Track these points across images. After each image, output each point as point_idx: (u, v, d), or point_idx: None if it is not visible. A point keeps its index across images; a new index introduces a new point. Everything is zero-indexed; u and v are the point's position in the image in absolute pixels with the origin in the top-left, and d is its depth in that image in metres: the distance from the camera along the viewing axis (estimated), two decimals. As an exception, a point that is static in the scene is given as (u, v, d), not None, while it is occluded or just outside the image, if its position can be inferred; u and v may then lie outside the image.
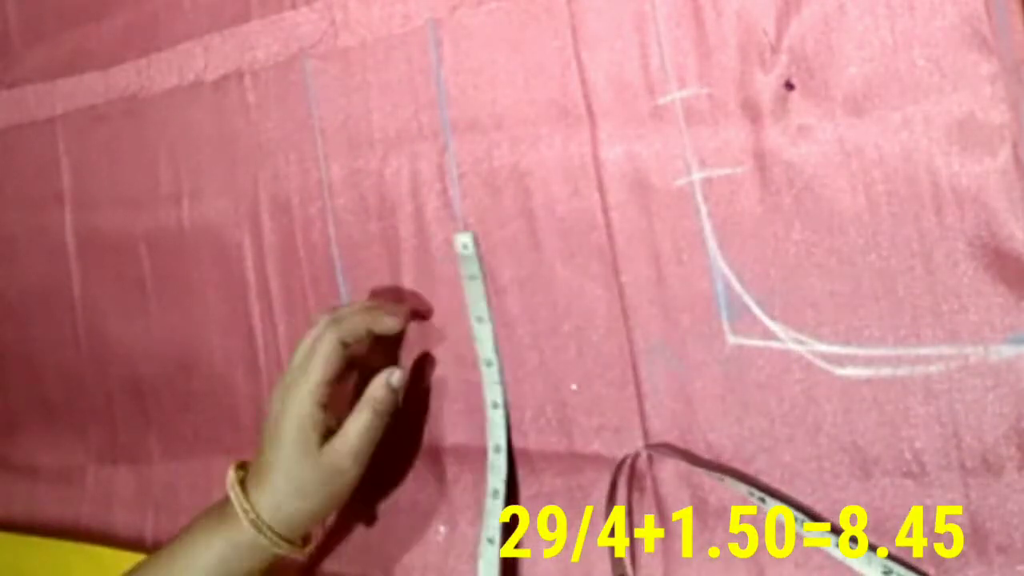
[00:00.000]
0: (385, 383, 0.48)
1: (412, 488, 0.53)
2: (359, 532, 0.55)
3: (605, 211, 0.47)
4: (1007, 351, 0.38)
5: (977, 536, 0.38)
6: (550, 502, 0.48)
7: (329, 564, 0.55)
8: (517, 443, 0.49)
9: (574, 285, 0.48)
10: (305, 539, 0.49)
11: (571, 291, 0.48)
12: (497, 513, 0.48)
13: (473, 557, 0.50)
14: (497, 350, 0.50)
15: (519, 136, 0.49)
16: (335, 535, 0.56)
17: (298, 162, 0.58)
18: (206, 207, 0.62)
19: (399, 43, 0.53)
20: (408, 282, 0.53)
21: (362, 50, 0.55)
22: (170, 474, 0.64)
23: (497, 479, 0.49)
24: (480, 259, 0.50)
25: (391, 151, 0.54)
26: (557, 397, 0.48)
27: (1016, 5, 0.37)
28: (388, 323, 0.50)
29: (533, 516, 0.49)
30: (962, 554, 0.38)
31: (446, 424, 0.52)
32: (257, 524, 0.47)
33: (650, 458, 0.45)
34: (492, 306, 0.50)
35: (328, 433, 0.47)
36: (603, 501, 0.46)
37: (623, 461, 0.45)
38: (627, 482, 0.46)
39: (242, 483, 0.48)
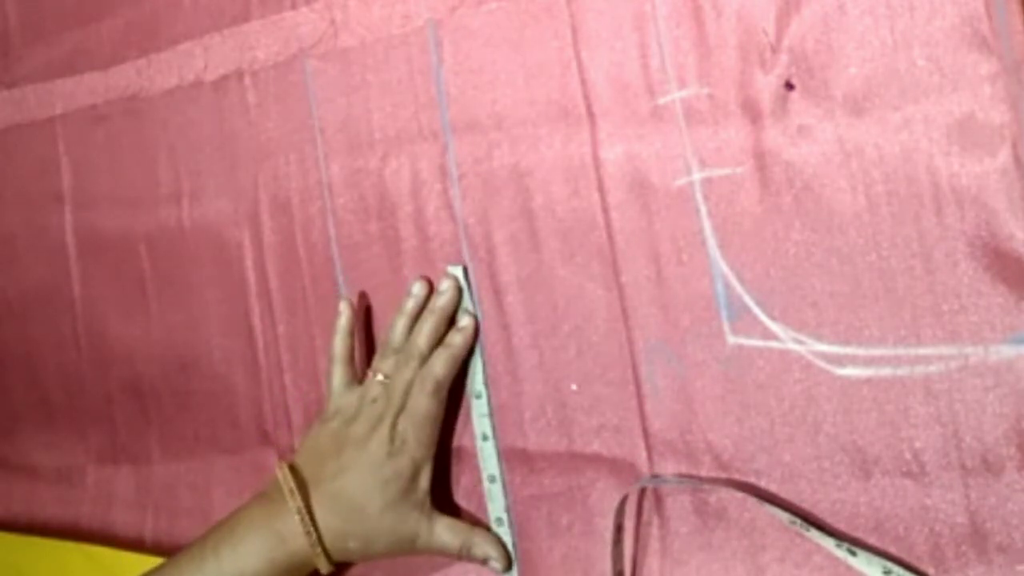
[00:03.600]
0: (485, 557, 0.48)
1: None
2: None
3: (605, 211, 0.47)
4: (1007, 351, 0.38)
5: (977, 536, 0.38)
6: (550, 502, 0.48)
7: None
8: (516, 443, 0.49)
9: (574, 285, 0.48)
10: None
11: (571, 291, 0.48)
12: (508, 540, 0.49)
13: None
14: (487, 383, 0.50)
15: (519, 136, 0.49)
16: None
17: (298, 162, 0.58)
18: (206, 207, 0.62)
19: (399, 43, 0.53)
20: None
21: (362, 50, 0.55)
22: (170, 474, 0.64)
23: (498, 508, 0.49)
24: (472, 291, 0.50)
25: (391, 151, 0.54)
26: (557, 397, 0.48)
27: (1016, 5, 0.37)
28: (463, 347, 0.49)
29: (534, 516, 0.49)
30: (962, 554, 0.38)
31: (445, 426, 0.52)
32: (315, 548, 0.46)
33: (650, 459, 0.45)
34: (483, 339, 0.50)
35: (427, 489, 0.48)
36: (602, 500, 0.46)
37: (626, 497, 0.45)
38: (636, 506, 0.46)
39: (299, 486, 0.47)
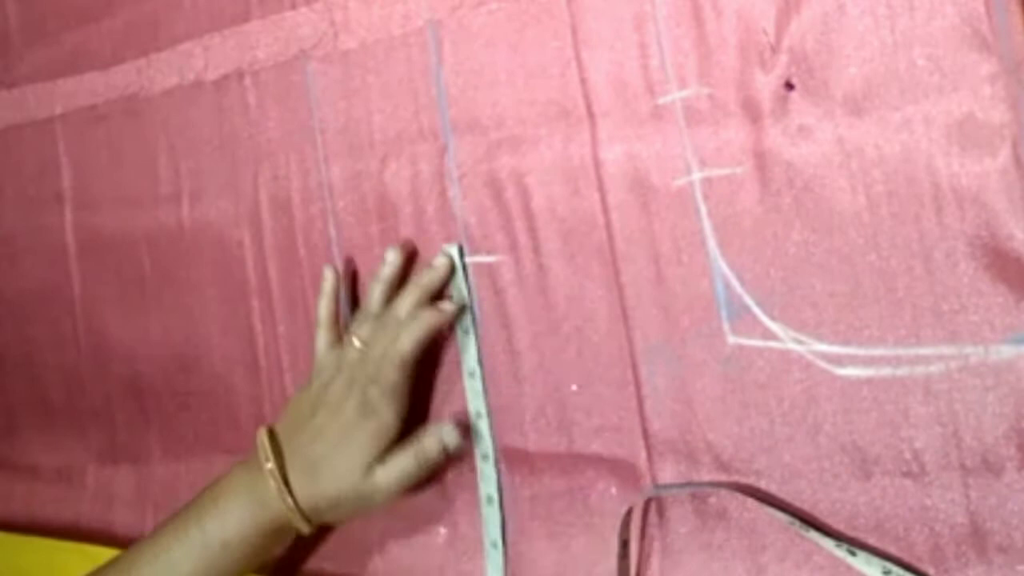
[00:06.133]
0: (439, 440, 0.48)
1: (412, 490, 0.53)
2: (360, 534, 0.54)
3: (605, 211, 0.47)
4: (1007, 351, 0.38)
5: (977, 536, 0.38)
6: (550, 502, 0.48)
7: (331, 566, 0.55)
8: (516, 444, 0.49)
9: (574, 285, 0.48)
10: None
11: (571, 291, 0.48)
12: (495, 519, 0.49)
13: (474, 559, 0.50)
14: (480, 361, 0.50)
15: (519, 136, 0.49)
16: (336, 538, 0.56)
17: (298, 163, 0.58)
18: (206, 207, 0.62)
19: (399, 44, 0.53)
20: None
21: (362, 51, 0.55)
22: (170, 474, 0.64)
23: (489, 486, 0.49)
24: (465, 270, 0.50)
25: (391, 153, 0.54)
26: (557, 397, 0.48)
27: (1016, 5, 0.37)
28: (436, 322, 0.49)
29: (534, 516, 0.49)
30: (962, 554, 0.38)
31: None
32: (293, 511, 0.47)
33: (650, 459, 0.45)
34: (477, 318, 0.50)
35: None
36: (602, 500, 0.46)
37: (631, 511, 0.45)
38: (640, 517, 0.46)
39: (275, 450, 0.48)
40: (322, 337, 0.52)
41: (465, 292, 0.50)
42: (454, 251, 0.51)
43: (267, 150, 0.59)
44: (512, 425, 0.49)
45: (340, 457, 0.47)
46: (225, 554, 0.47)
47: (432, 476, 0.51)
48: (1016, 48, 0.37)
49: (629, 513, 0.45)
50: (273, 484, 0.47)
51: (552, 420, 0.48)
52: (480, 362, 0.50)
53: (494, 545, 0.49)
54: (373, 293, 0.52)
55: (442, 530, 0.52)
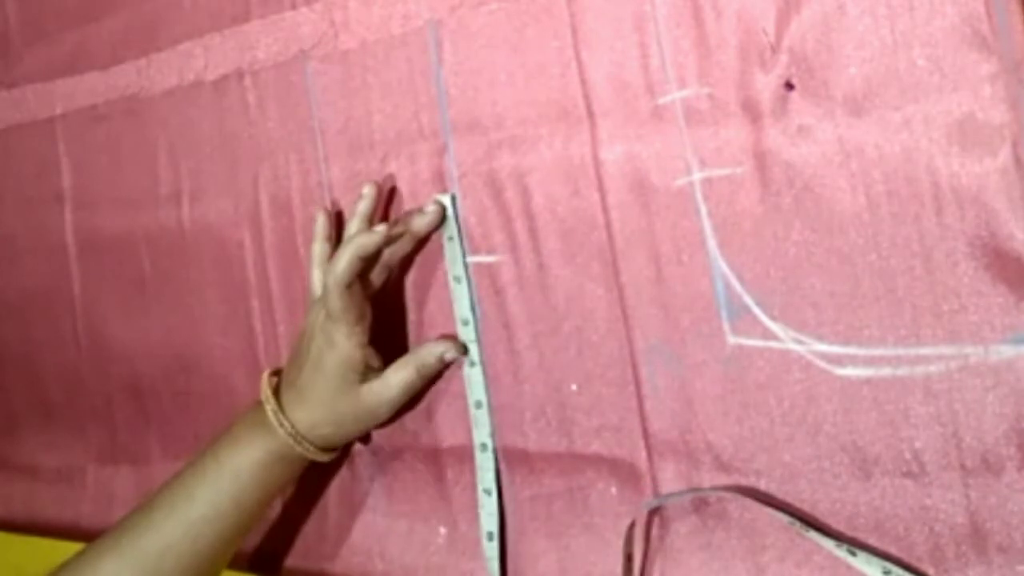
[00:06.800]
0: (439, 355, 0.50)
1: (412, 490, 0.53)
2: (361, 534, 0.54)
3: (605, 211, 0.47)
4: (1007, 351, 0.38)
5: (977, 536, 0.38)
6: (550, 502, 0.48)
7: (331, 566, 0.55)
8: (516, 443, 0.49)
9: (574, 285, 0.48)
10: (334, 448, 0.52)
11: (571, 291, 0.48)
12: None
13: (474, 558, 0.50)
14: (482, 353, 0.50)
15: (519, 136, 0.49)
16: (336, 538, 0.56)
17: (298, 162, 0.58)
18: (206, 207, 0.62)
19: (399, 44, 0.53)
20: (408, 283, 0.53)
21: (362, 51, 0.55)
22: (170, 474, 0.64)
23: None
24: (458, 219, 0.51)
25: (391, 152, 0.54)
26: (557, 397, 0.48)
27: (1016, 5, 0.37)
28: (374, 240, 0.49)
29: (534, 516, 0.49)
30: (962, 554, 0.39)
31: (444, 426, 0.52)
32: (295, 437, 0.49)
33: (650, 459, 0.45)
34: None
35: (367, 368, 0.50)
36: (602, 500, 0.46)
37: (634, 524, 0.45)
38: (644, 532, 0.46)
39: (276, 391, 0.51)
40: (315, 276, 0.54)
41: (457, 237, 0.51)
42: (447, 199, 0.51)
43: (267, 150, 0.59)
44: (512, 425, 0.49)
45: (320, 386, 0.49)
46: (237, 482, 0.49)
47: (429, 384, 0.52)
48: (1016, 48, 0.37)
49: (632, 527, 0.45)
50: (270, 411, 0.49)
51: (552, 420, 0.48)
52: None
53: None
54: (350, 229, 0.53)
55: (442, 530, 0.52)
